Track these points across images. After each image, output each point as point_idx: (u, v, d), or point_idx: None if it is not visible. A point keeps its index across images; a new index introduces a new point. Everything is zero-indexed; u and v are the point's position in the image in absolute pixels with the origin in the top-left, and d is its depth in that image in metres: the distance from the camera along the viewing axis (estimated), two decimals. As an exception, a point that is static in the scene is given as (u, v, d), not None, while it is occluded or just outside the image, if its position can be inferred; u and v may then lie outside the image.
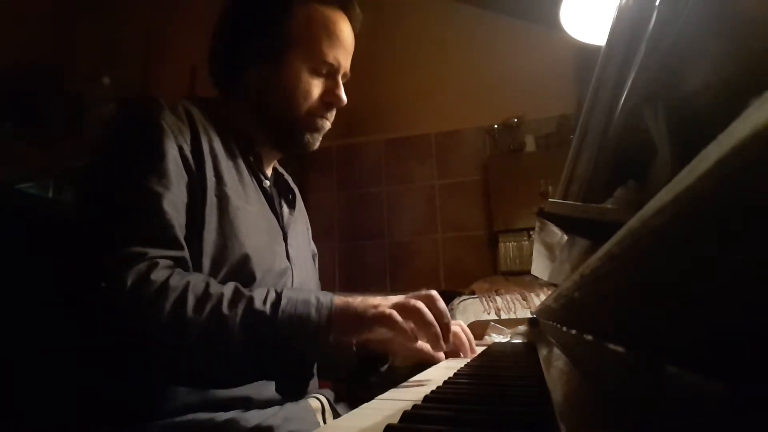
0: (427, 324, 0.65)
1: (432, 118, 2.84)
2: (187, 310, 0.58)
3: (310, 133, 0.83)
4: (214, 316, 0.58)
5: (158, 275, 0.59)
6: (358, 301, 0.66)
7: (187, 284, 0.60)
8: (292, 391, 0.67)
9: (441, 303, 0.68)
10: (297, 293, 0.64)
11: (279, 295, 0.62)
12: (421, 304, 0.66)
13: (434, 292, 0.69)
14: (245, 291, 0.62)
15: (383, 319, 0.64)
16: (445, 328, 0.67)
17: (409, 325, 0.65)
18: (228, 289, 0.62)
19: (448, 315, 0.68)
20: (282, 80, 0.79)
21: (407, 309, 0.66)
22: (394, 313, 0.64)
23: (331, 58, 0.80)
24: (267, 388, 0.72)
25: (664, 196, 0.14)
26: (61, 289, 0.62)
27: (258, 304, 0.61)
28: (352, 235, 2.89)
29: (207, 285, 0.61)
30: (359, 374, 0.82)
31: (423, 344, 0.78)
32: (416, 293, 0.70)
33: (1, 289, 0.72)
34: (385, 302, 0.67)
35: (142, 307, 0.57)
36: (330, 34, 0.80)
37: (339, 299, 0.65)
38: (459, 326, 0.90)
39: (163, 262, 0.61)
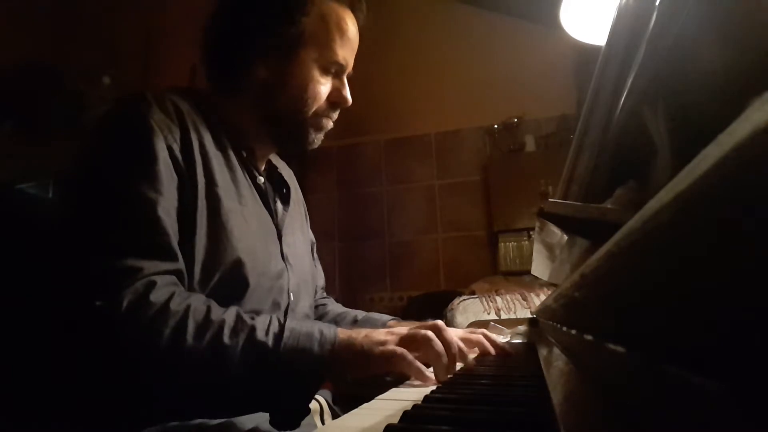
0: (437, 356, 0.63)
1: (432, 118, 2.84)
2: (187, 337, 0.56)
3: (315, 132, 0.82)
4: (214, 344, 0.57)
5: (157, 296, 0.57)
6: (362, 336, 0.64)
7: (188, 308, 0.58)
8: (287, 424, 0.66)
9: (448, 333, 0.66)
10: (300, 325, 0.62)
11: (282, 327, 0.61)
12: (431, 334, 0.64)
13: (440, 322, 0.67)
14: (248, 319, 0.61)
15: (393, 359, 0.61)
16: (452, 359, 0.64)
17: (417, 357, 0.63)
18: (230, 316, 0.60)
19: (455, 344, 0.65)
20: (293, 78, 0.78)
21: (417, 340, 0.64)
22: (405, 351, 0.62)
23: (341, 58, 0.79)
24: None
25: (664, 196, 0.14)
26: (58, 294, 0.61)
27: (260, 334, 0.59)
28: (352, 235, 2.89)
29: (208, 310, 0.59)
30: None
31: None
32: (422, 323, 0.67)
33: (0, 290, 0.71)
34: (391, 337, 0.64)
35: (139, 331, 0.56)
36: (342, 33, 0.79)
37: (343, 333, 0.63)
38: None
39: (161, 280, 0.59)
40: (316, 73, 0.78)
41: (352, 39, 0.81)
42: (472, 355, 0.82)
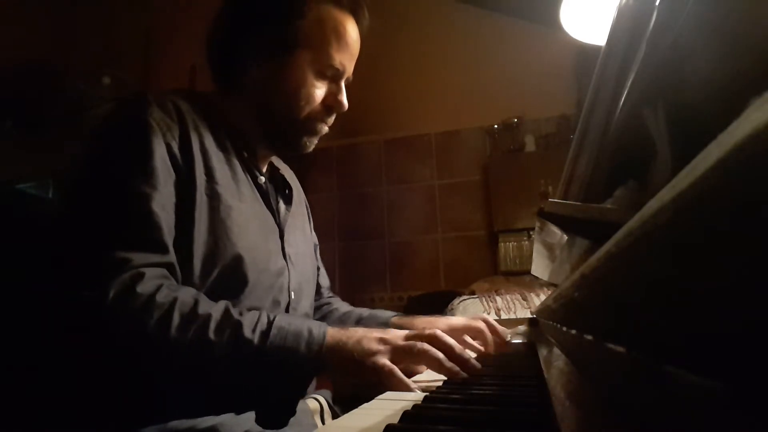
0: (439, 364, 0.61)
1: (432, 118, 2.84)
2: (171, 330, 0.56)
3: (308, 136, 0.82)
4: (198, 339, 0.57)
5: (144, 288, 0.57)
6: (353, 341, 0.62)
7: (174, 301, 0.58)
8: (273, 423, 0.65)
9: (446, 339, 0.63)
10: (290, 323, 0.61)
11: (270, 324, 0.60)
12: (427, 346, 0.62)
13: (438, 332, 0.64)
14: (235, 314, 0.60)
15: (382, 376, 0.60)
16: (460, 360, 0.62)
17: (420, 366, 0.62)
18: (217, 310, 0.59)
19: (457, 346, 0.63)
20: (286, 80, 0.78)
21: (412, 354, 0.62)
22: (394, 368, 0.60)
23: (337, 63, 0.79)
24: None
25: (664, 196, 0.14)
26: (52, 291, 0.61)
27: (246, 331, 0.58)
28: (352, 235, 2.89)
29: (195, 303, 0.59)
30: None
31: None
32: (418, 333, 0.65)
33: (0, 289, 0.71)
34: (384, 347, 0.62)
35: (124, 322, 0.56)
36: (339, 37, 0.79)
37: (333, 334, 0.62)
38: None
39: (150, 272, 0.59)
40: (310, 76, 0.78)
41: (351, 44, 0.81)
42: (473, 354, 0.82)
